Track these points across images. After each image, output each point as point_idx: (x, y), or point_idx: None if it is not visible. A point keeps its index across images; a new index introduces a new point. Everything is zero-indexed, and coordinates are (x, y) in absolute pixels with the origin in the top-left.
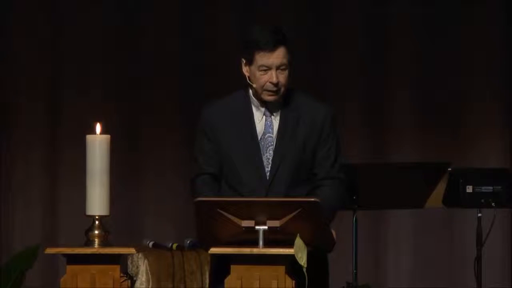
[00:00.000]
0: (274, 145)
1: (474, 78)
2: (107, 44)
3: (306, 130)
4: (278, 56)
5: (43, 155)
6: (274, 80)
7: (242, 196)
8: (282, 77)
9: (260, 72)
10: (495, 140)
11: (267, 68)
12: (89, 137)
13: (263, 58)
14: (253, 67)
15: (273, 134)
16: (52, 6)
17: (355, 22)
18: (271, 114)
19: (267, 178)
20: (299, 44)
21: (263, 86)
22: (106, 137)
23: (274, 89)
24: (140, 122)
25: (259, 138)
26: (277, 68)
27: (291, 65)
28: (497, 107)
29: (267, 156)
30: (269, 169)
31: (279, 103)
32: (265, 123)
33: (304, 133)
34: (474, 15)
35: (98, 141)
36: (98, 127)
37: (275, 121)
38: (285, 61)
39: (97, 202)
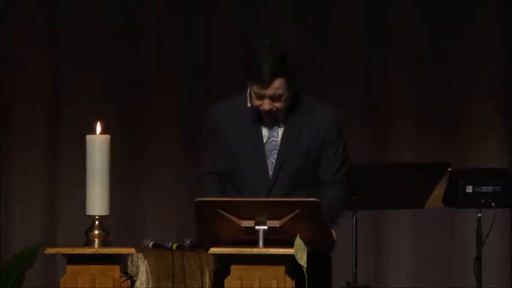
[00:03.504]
0: (279, 149)
1: (474, 78)
2: (107, 44)
3: (312, 133)
4: (272, 88)
5: (43, 155)
6: (266, 108)
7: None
8: (278, 103)
9: (255, 97)
10: (495, 140)
11: (261, 97)
12: (89, 137)
13: (257, 88)
14: (251, 88)
15: (277, 138)
16: (52, 6)
17: (355, 22)
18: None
19: (270, 181)
20: (299, 44)
21: (258, 108)
22: (106, 137)
23: (267, 112)
24: (140, 122)
25: (264, 141)
26: (271, 97)
27: (289, 90)
28: (497, 107)
29: (272, 160)
30: (272, 172)
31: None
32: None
33: (309, 137)
34: (474, 15)
35: (98, 141)
36: (98, 127)
37: (281, 125)
38: (280, 92)
39: (97, 202)
